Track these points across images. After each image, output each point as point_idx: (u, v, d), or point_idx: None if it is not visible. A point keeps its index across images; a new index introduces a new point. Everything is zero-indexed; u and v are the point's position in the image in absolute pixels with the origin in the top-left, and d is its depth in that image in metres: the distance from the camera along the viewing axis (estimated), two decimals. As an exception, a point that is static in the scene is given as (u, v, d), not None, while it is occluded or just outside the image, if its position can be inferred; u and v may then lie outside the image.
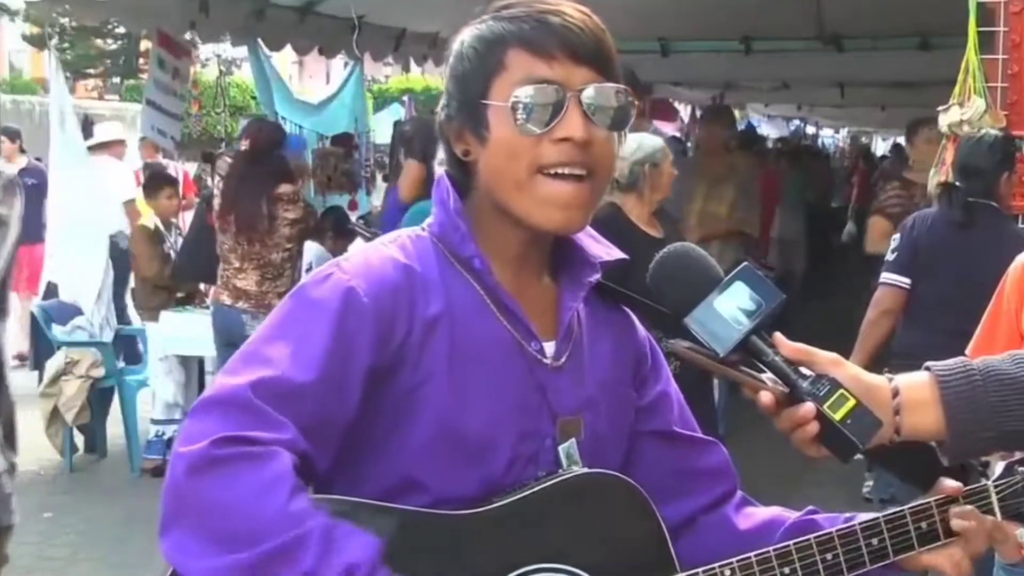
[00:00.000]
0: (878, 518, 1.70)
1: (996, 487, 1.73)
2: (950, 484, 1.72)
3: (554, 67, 1.61)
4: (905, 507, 1.71)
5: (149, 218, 8.06)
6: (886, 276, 5.03)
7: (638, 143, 5.31)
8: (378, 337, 1.57)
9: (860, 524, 1.69)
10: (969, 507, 1.71)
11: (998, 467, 1.75)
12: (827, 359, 1.63)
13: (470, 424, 1.61)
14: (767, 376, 1.61)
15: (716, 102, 14.87)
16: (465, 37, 1.68)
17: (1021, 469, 1.73)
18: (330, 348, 1.53)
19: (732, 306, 1.59)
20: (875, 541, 1.69)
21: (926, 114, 6.19)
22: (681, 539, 1.72)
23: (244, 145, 7.50)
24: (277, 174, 6.86)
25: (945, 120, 5.02)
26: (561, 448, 1.68)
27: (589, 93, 1.61)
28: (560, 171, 1.61)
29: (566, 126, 1.60)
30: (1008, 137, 4.87)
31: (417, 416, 1.59)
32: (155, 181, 8.81)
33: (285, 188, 6.81)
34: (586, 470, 1.66)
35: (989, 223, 4.81)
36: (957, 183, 4.85)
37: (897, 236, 5.04)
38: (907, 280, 4.96)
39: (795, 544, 1.67)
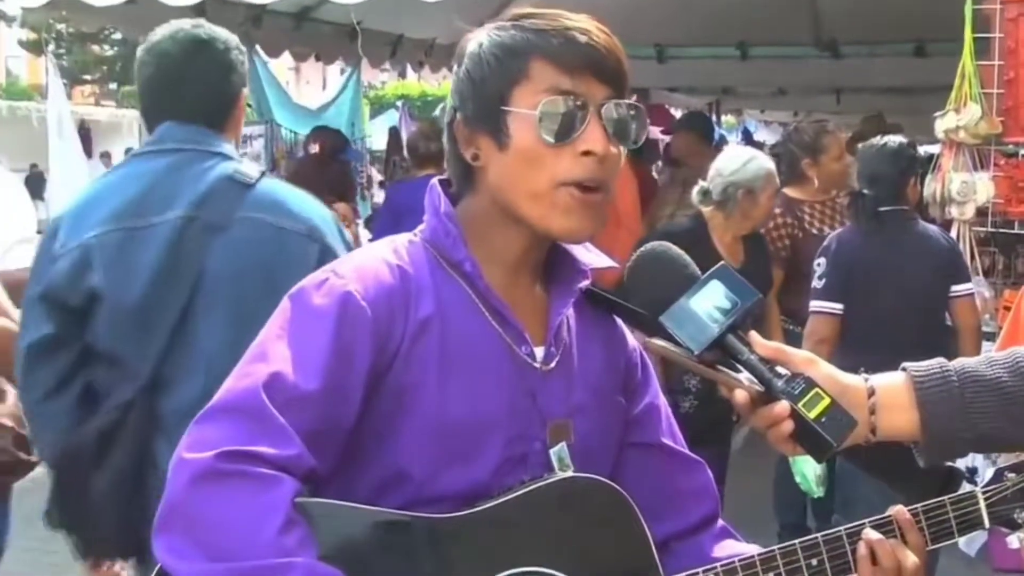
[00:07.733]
0: (816, 537, 1.70)
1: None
2: (902, 512, 1.71)
3: (577, 82, 1.62)
4: (841, 528, 1.70)
5: None
6: (817, 304, 4.75)
7: (744, 161, 4.96)
8: (376, 340, 1.58)
9: (800, 543, 1.69)
10: (877, 537, 1.68)
11: (987, 473, 1.74)
12: (802, 358, 1.64)
13: (459, 423, 1.62)
14: (743, 375, 1.62)
15: (712, 108, 14.90)
16: (484, 41, 1.68)
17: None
18: (333, 356, 1.55)
19: (708, 304, 1.59)
20: (815, 561, 1.68)
21: (917, 120, 6.10)
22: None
23: (313, 149, 7.93)
24: (336, 186, 7.03)
25: (941, 126, 5.05)
26: (552, 452, 1.69)
27: (609, 109, 1.63)
28: (581, 184, 1.62)
29: (588, 139, 1.61)
30: (911, 143, 4.84)
31: (408, 416, 1.61)
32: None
33: (339, 206, 6.79)
34: (571, 474, 1.67)
35: (903, 228, 4.74)
36: (864, 192, 4.76)
37: (821, 260, 4.78)
38: (839, 306, 4.70)
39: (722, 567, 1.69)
